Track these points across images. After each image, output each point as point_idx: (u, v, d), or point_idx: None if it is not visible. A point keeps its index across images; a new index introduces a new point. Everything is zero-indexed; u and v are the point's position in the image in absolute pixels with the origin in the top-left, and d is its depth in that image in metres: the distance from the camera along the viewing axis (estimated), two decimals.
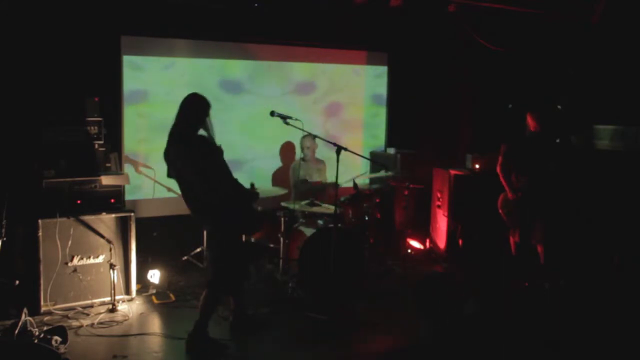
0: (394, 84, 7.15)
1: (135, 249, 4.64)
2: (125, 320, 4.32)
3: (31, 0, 4.98)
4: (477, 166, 5.94)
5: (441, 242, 6.09)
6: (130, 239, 4.61)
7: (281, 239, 5.07)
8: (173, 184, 5.85)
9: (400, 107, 7.15)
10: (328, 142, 4.46)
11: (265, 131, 6.25)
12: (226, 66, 6.23)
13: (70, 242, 4.37)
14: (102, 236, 4.52)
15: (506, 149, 5.09)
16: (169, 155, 3.76)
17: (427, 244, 6.28)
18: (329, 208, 5.06)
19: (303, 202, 5.27)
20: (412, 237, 6.11)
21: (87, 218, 4.47)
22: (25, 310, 3.75)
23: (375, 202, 5.75)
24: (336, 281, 4.56)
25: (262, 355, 3.92)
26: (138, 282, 4.78)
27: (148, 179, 5.75)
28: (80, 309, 4.43)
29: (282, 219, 5.08)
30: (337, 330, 4.23)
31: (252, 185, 5.18)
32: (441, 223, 6.10)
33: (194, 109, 3.77)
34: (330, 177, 5.95)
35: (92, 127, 4.79)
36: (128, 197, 5.23)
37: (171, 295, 4.83)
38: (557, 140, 5.00)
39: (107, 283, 4.48)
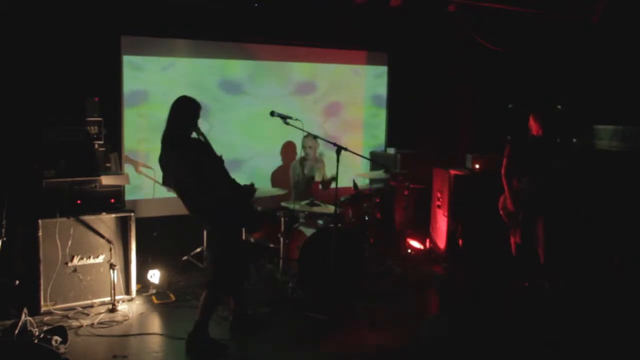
0: (394, 84, 7.15)
1: (135, 249, 4.64)
2: (125, 320, 4.32)
3: (31, 0, 4.97)
4: (477, 166, 5.94)
5: (441, 242, 6.09)
6: (130, 239, 4.61)
7: (281, 239, 5.07)
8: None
9: (400, 107, 7.15)
10: (328, 142, 4.46)
11: (265, 131, 6.25)
12: (226, 66, 6.23)
13: (70, 242, 4.37)
14: (102, 236, 4.53)
15: (510, 149, 5.09)
16: (163, 161, 3.76)
17: (427, 244, 6.28)
18: (329, 208, 5.06)
19: (303, 202, 5.27)
20: (412, 237, 6.11)
21: (87, 218, 4.47)
22: (25, 310, 3.75)
23: (375, 202, 5.75)
24: (336, 281, 4.56)
25: (262, 355, 3.92)
26: (138, 282, 4.78)
27: (148, 179, 5.76)
28: (80, 309, 4.43)
29: (282, 219, 5.08)
30: (337, 330, 4.23)
31: (252, 185, 5.19)
32: (441, 223, 6.10)
33: (184, 111, 3.76)
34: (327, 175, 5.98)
35: (92, 127, 4.79)
36: (128, 197, 5.23)
37: (171, 295, 4.83)
38: (559, 141, 5.00)
39: (107, 283, 4.48)
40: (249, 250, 5.30)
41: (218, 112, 6.13)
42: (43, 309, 4.31)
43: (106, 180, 4.59)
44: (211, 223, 3.80)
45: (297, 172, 5.87)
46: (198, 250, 5.53)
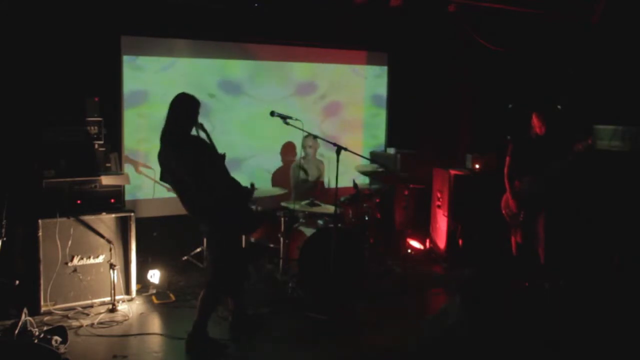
0: (394, 84, 7.15)
1: (135, 249, 4.64)
2: (125, 320, 4.32)
3: (31, 0, 4.97)
4: (477, 166, 5.94)
5: (441, 242, 6.09)
6: (130, 239, 4.62)
7: (281, 239, 5.07)
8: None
9: (400, 107, 7.15)
10: (328, 142, 4.46)
11: (265, 131, 6.25)
12: (226, 66, 6.23)
13: (70, 242, 4.37)
14: (102, 236, 4.53)
15: (514, 148, 5.09)
16: (162, 157, 3.75)
17: (427, 244, 6.28)
18: (329, 208, 5.06)
19: (303, 202, 5.27)
20: (412, 237, 6.11)
21: (87, 218, 4.47)
22: (25, 310, 3.75)
23: (375, 202, 5.75)
24: (336, 281, 4.56)
25: (262, 355, 3.92)
26: (138, 282, 4.78)
27: (148, 179, 5.76)
28: (80, 309, 4.44)
29: (282, 219, 5.08)
30: (337, 330, 4.23)
31: (252, 185, 5.19)
32: (441, 223, 6.10)
33: (184, 109, 3.75)
34: (327, 176, 5.98)
35: (92, 127, 4.79)
36: (128, 197, 5.23)
37: (171, 295, 4.83)
38: (561, 141, 4.99)
39: (107, 283, 4.48)
40: (249, 250, 5.30)
41: (218, 112, 6.13)
42: (43, 309, 4.31)
43: (106, 180, 4.59)
44: (211, 223, 3.80)
45: (297, 173, 5.87)
46: (198, 250, 5.53)
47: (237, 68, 6.27)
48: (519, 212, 5.01)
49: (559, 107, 5.78)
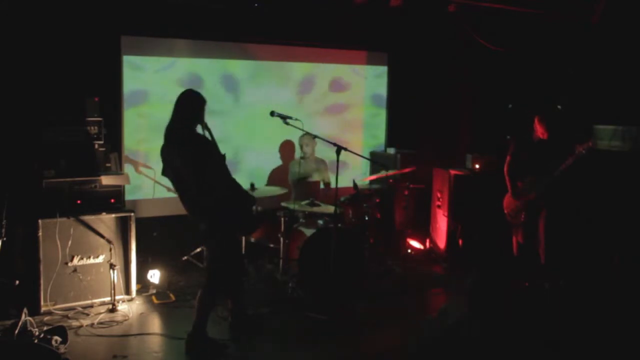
0: (394, 84, 7.15)
1: (135, 249, 4.64)
2: (125, 320, 4.32)
3: (31, 0, 4.97)
4: (477, 166, 5.94)
5: (441, 242, 6.09)
6: (130, 239, 4.62)
7: (281, 239, 5.07)
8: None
9: (400, 107, 7.15)
10: (328, 142, 4.46)
11: (265, 131, 6.25)
12: (226, 66, 6.23)
13: (70, 242, 4.37)
14: (102, 236, 4.53)
15: (515, 148, 5.09)
16: (164, 153, 3.74)
17: (427, 244, 6.28)
18: (329, 208, 5.06)
19: (303, 202, 5.27)
20: (412, 237, 6.11)
21: (87, 218, 4.47)
22: (25, 310, 3.75)
23: (375, 202, 5.75)
24: (336, 281, 4.56)
25: (262, 355, 3.92)
26: (138, 282, 4.78)
27: (148, 179, 5.76)
28: (80, 309, 4.44)
29: (282, 219, 5.08)
30: (337, 330, 4.23)
31: (252, 185, 5.19)
32: (441, 223, 6.10)
33: (190, 106, 3.74)
34: (330, 177, 5.97)
35: (92, 127, 4.79)
36: (128, 197, 5.23)
37: (171, 295, 4.83)
38: (562, 142, 4.99)
39: (107, 283, 4.49)
40: (249, 251, 5.30)
41: (218, 112, 6.12)
42: (43, 309, 4.31)
43: (106, 180, 4.59)
44: (210, 223, 3.79)
45: (294, 170, 5.86)
46: (198, 250, 5.52)
47: (237, 68, 6.27)
48: (520, 212, 5.01)
49: (559, 107, 5.78)
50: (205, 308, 3.80)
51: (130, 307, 4.55)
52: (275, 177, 6.40)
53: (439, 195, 6.18)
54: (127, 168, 5.71)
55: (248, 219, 4.01)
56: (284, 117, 4.38)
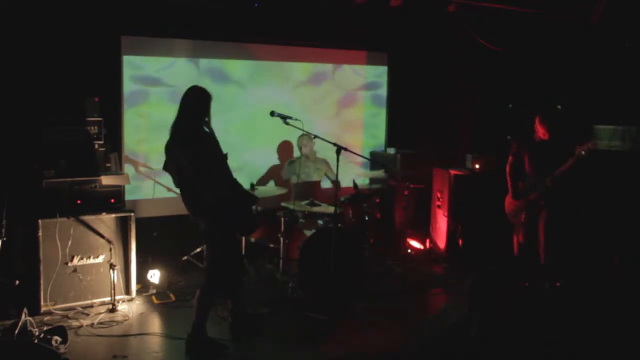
0: (394, 84, 7.15)
1: (135, 249, 4.64)
2: (125, 320, 4.32)
3: (31, 0, 4.97)
4: (477, 166, 5.94)
5: (441, 242, 6.09)
6: (130, 239, 4.62)
7: (281, 239, 5.07)
8: (173, 183, 5.88)
9: (400, 107, 7.15)
10: (328, 142, 4.46)
11: (265, 131, 6.25)
12: (226, 66, 6.23)
13: (70, 242, 4.37)
14: (102, 236, 4.53)
15: (517, 148, 5.09)
16: (169, 149, 3.73)
17: (427, 244, 6.28)
18: (329, 208, 5.06)
19: (303, 202, 5.27)
20: (412, 237, 6.11)
21: (87, 218, 4.47)
22: (25, 310, 3.75)
23: (375, 202, 5.75)
24: (336, 281, 4.56)
25: (262, 355, 3.92)
26: (138, 282, 4.78)
27: (148, 179, 5.76)
28: (80, 309, 4.44)
29: (282, 219, 5.08)
30: (337, 330, 4.23)
31: (252, 185, 5.20)
32: (441, 223, 6.10)
33: (196, 102, 3.74)
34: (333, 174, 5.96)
35: (92, 127, 4.79)
36: (128, 197, 5.23)
37: (171, 295, 4.83)
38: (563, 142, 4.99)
39: (107, 283, 4.49)
40: (249, 250, 5.30)
41: (218, 112, 6.09)
42: (43, 309, 4.31)
43: (106, 180, 4.59)
44: (211, 222, 3.79)
45: (291, 169, 5.84)
46: (198, 250, 5.52)
47: (237, 68, 6.27)
48: (520, 212, 5.01)
49: (559, 107, 5.78)
50: (204, 308, 3.80)
51: (130, 307, 4.55)
52: (272, 174, 6.40)
53: (439, 195, 6.18)
54: (127, 168, 5.71)
55: (249, 220, 4.01)
56: (284, 117, 4.38)
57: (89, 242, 4.49)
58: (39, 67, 5.04)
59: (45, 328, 3.84)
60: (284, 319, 4.41)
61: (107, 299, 4.50)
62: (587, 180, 5.21)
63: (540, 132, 4.92)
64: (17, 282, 4.05)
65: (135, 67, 5.77)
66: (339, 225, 4.98)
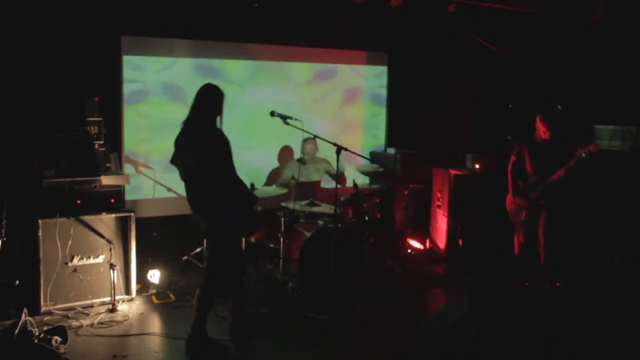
0: (394, 84, 7.16)
1: (135, 249, 4.64)
2: (125, 320, 4.32)
3: (31, 0, 4.97)
4: (477, 166, 5.94)
5: (441, 242, 6.09)
6: (130, 239, 4.62)
7: (281, 239, 5.07)
8: (173, 183, 5.90)
9: (400, 107, 7.15)
10: (328, 142, 4.46)
11: (265, 131, 6.25)
12: (226, 66, 6.23)
13: (70, 242, 4.37)
14: (102, 236, 4.53)
15: (519, 148, 5.09)
16: (179, 144, 3.75)
17: (427, 244, 6.28)
18: (329, 208, 5.06)
19: (303, 202, 5.27)
20: (412, 237, 6.11)
21: (87, 218, 4.47)
22: (25, 310, 3.75)
23: (375, 202, 5.75)
24: (336, 281, 4.56)
25: (262, 355, 3.92)
26: (138, 282, 4.78)
27: (148, 179, 5.76)
28: (80, 309, 4.44)
29: (282, 219, 5.08)
30: (337, 330, 4.23)
31: (252, 185, 5.19)
32: (441, 223, 6.10)
33: (209, 99, 3.77)
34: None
35: (92, 127, 4.79)
36: (128, 197, 5.23)
37: (171, 295, 4.83)
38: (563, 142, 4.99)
39: (107, 283, 4.49)
40: (249, 251, 5.30)
41: None
42: (43, 309, 4.31)
43: (106, 180, 4.59)
44: (212, 221, 3.80)
45: (288, 173, 5.83)
46: (198, 250, 5.52)
47: (237, 68, 6.27)
48: (520, 211, 5.01)
49: (559, 107, 5.78)
50: (203, 308, 3.80)
51: (130, 307, 4.55)
52: (274, 178, 6.40)
53: (439, 195, 6.18)
54: (127, 168, 5.71)
55: (250, 220, 4.01)
56: (284, 117, 4.38)
57: (89, 242, 4.49)
58: (39, 67, 5.04)
59: (45, 328, 3.84)
60: (284, 319, 4.41)
61: (107, 299, 4.50)
62: (587, 180, 5.21)
63: (541, 130, 4.92)
64: (17, 282, 4.05)
65: (135, 67, 5.77)
66: (339, 225, 4.98)
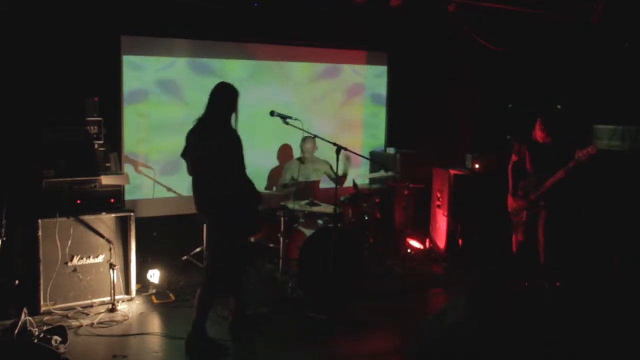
0: (394, 84, 7.16)
1: (135, 249, 4.64)
2: (125, 320, 4.32)
3: (31, 0, 4.97)
4: (477, 166, 5.94)
5: (441, 242, 6.09)
6: (130, 239, 4.62)
7: (281, 239, 5.07)
8: (173, 184, 5.90)
9: (400, 107, 7.15)
10: (328, 142, 4.46)
11: (265, 131, 6.24)
12: (226, 66, 6.23)
13: (70, 242, 4.37)
14: (102, 236, 4.53)
15: (520, 147, 5.09)
16: (191, 141, 3.77)
17: (427, 244, 6.28)
18: (329, 208, 5.06)
19: (303, 202, 5.27)
20: (412, 237, 6.11)
21: (87, 218, 4.47)
22: (25, 310, 3.75)
23: (375, 202, 5.75)
24: (336, 281, 4.56)
25: (262, 355, 3.92)
26: (138, 282, 4.78)
27: (148, 179, 5.76)
28: (80, 309, 4.44)
29: (282, 219, 5.08)
30: (337, 330, 4.23)
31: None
32: (441, 223, 6.10)
33: (224, 98, 3.79)
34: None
35: (92, 127, 4.79)
36: (128, 197, 5.23)
37: (171, 295, 4.83)
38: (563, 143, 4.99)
39: (107, 283, 4.48)
40: (249, 251, 5.30)
41: None
42: (43, 309, 4.31)
43: (106, 180, 4.59)
44: (214, 221, 3.80)
45: (290, 173, 5.83)
46: (198, 250, 5.52)
47: (237, 68, 6.27)
48: (522, 211, 5.01)
49: (558, 107, 5.78)
50: (204, 307, 3.81)
51: (130, 307, 4.55)
52: (275, 178, 6.40)
53: (439, 195, 6.18)
54: (127, 168, 5.71)
55: (251, 220, 4.02)
56: (284, 117, 4.38)
57: (89, 242, 4.49)
58: (39, 67, 5.04)
59: (45, 328, 3.84)
60: (284, 319, 4.41)
61: (107, 299, 4.50)
62: (588, 181, 5.21)
63: (539, 136, 4.92)
64: (17, 282, 4.05)
65: (135, 67, 5.77)
66: (339, 225, 4.98)
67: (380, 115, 7.22)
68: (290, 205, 5.23)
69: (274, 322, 4.34)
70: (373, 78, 7.11)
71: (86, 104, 4.80)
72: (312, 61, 6.70)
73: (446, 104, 6.95)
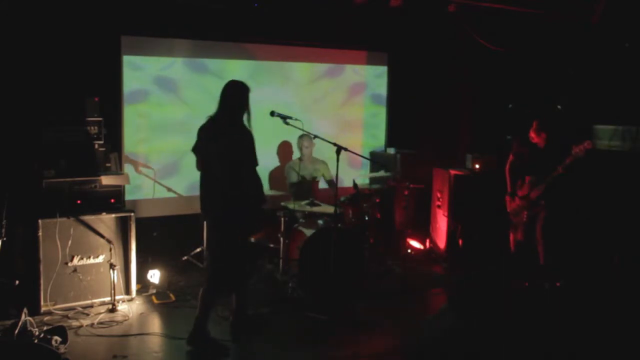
0: (394, 84, 7.16)
1: (135, 249, 4.64)
2: (125, 320, 4.32)
3: (31, 0, 4.98)
4: (477, 166, 5.95)
5: (441, 242, 6.09)
6: (130, 239, 4.62)
7: (281, 239, 5.07)
8: (173, 184, 5.90)
9: (400, 107, 7.15)
10: (328, 142, 4.46)
11: (265, 131, 6.22)
12: (226, 66, 6.23)
13: (70, 242, 4.37)
14: (102, 236, 4.53)
15: (518, 147, 5.09)
16: (202, 138, 3.80)
17: (427, 244, 6.28)
18: (329, 208, 5.06)
19: (303, 202, 5.27)
20: (412, 237, 6.11)
21: (87, 218, 4.47)
22: (25, 310, 3.75)
23: (375, 202, 5.75)
24: (336, 281, 4.56)
25: (262, 355, 3.92)
26: (138, 282, 4.78)
27: (148, 179, 5.76)
28: (80, 309, 4.44)
29: (282, 219, 5.08)
30: (337, 330, 4.23)
31: None
32: (441, 223, 6.10)
33: (236, 95, 3.81)
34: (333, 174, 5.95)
35: (92, 127, 4.79)
36: (128, 197, 5.23)
37: (171, 295, 4.83)
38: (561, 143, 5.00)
39: (107, 283, 4.48)
40: (249, 251, 5.30)
41: None
42: (43, 309, 4.31)
43: (106, 180, 4.59)
44: (215, 220, 3.80)
45: (290, 173, 5.83)
46: (198, 250, 5.52)
47: (237, 68, 6.27)
48: (522, 211, 5.01)
49: (559, 107, 5.79)
50: (205, 307, 3.81)
51: (130, 307, 4.55)
52: (275, 177, 6.39)
53: (439, 195, 6.18)
54: (127, 168, 5.71)
55: (252, 221, 4.02)
56: (284, 117, 4.39)
57: (89, 242, 4.49)
58: (39, 67, 5.04)
59: (45, 328, 3.84)
60: (284, 319, 4.41)
61: (107, 299, 4.50)
62: (588, 180, 5.22)
63: (535, 139, 4.92)
64: (17, 282, 4.05)
65: (135, 67, 5.77)
66: (339, 225, 4.98)
67: (380, 115, 7.22)
68: (290, 205, 5.23)
69: (274, 322, 4.34)
70: (373, 78, 7.11)
71: (86, 104, 4.80)
72: (312, 61, 6.70)
73: (446, 104, 6.95)
